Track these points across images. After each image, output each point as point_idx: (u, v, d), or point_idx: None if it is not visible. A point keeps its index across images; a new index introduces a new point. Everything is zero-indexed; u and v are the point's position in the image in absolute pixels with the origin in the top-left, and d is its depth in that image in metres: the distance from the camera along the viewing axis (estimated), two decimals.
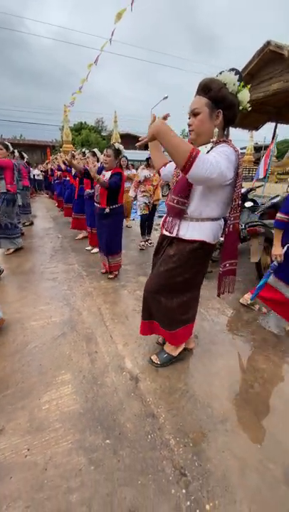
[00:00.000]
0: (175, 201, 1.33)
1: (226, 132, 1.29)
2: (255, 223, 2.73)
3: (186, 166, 1.02)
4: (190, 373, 1.67)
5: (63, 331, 2.05)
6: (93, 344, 1.91)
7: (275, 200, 3.33)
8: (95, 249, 3.85)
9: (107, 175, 2.69)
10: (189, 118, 1.25)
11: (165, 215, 1.45)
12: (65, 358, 1.76)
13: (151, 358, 1.73)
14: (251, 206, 3.53)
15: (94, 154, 3.60)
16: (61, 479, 1.09)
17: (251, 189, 4.00)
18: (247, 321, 2.28)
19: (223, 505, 1.02)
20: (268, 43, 8.47)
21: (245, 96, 1.20)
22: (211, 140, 1.22)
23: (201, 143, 1.26)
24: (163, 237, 1.49)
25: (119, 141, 14.24)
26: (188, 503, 1.03)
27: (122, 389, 1.53)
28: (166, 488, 1.07)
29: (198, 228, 1.32)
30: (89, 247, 4.05)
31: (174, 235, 1.38)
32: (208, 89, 1.17)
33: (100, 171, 2.81)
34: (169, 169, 1.49)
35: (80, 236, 4.64)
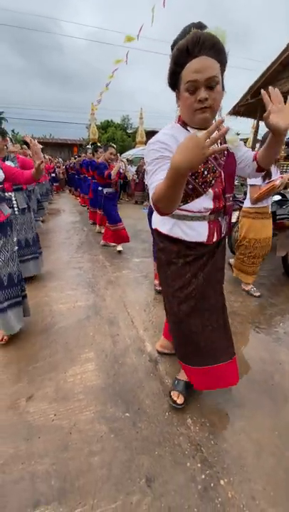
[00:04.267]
0: (231, 199, 1.12)
1: None
2: (283, 216, 2.70)
3: None
4: None
5: (88, 315, 2.15)
6: (115, 327, 1.99)
7: None
8: (119, 247, 3.73)
9: None
10: (190, 91, 0.85)
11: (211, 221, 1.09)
12: (89, 339, 1.86)
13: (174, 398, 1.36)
14: (279, 200, 3.42)
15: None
16: (84, 443, 1.18)
17: None
18: (270, 315, 2.23)
19: (238, 482, 1.04)
20: None
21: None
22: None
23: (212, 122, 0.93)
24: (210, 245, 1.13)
25: (145, 138, 14.31)
26: (203, 476, 1.06)
27: (142, 369, 1.60)
28: (182, 461, 1.11)
29: None
30: (119, 247, 3.74)
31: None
32: (219, 50, 0.82)
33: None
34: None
35: (99, 229, 4.67)
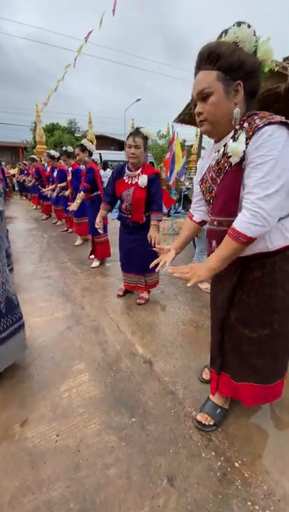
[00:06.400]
0: (216, 223, 0.99)
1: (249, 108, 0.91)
2: None
3: (250, 241, 0.84)
4: (203, 352, 1.75)
5: (69, 325, 2.04)
6: (102, 335, 1.93)
7: None
8: (95, 263, 3.31)
9: (141, 180, 1.98)
10: (195, 105, 0.90)
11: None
12: (76, 349, 1.77)
13: (199, 419, 1.25)
14: None
15: (83, 149, 3.10)
16: (95, 457, 1.12)
17: None
18: None
19: (251, 461, 1.12)
20: None
21: (267, 51, 0.82)
22: (235, 124, 0.87)
23: (222, 133, 0.91)
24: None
25: (95, 141, 14.15)
26: (219, 463, 1.11)
27: (138, 372, 1.58)
28: (197, 453, 1.14)
29: None
30: (95, 261, 3.34)
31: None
32: (217, 56, 0.80)
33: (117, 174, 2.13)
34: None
35: (79, 242, 4.18)
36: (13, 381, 1.50)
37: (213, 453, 1.15)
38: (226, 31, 0.84)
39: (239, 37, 0.80)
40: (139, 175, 2.01)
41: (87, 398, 1.41)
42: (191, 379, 1.53)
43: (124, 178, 2.07)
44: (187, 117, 13.54)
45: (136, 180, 2.01)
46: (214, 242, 1.01)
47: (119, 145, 23.71)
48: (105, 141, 23.03)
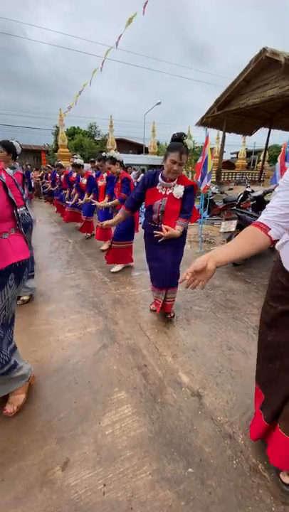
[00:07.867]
0: None
1: None
2: None
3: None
4: None
5: (103, 343, 1.90)
6: (140, 357, 1.77)
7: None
8: (117, 267, 3.30)
9: (177, 190, 1.86)
10: None
11: None
12: (114, 374, 1.61)
13: (287, 482, 1.06)
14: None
15: (114, 162, 3.02)
16: None
17: (268, 191, 3.98)
18: None
19: None
20: (264, 49, 8.64)
21: None
22: None
23: None
24: None
25: (115, 145, 14.19)
26: None
27: (187, 407, 1.40)
28: None
29: None
30: (116, 266, 3.34)
31: None
32: None
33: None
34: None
35: (105, 247, 4.11)
36: (51, 410, 1.36)
37: None
38: None
39: None
40: (174, 185, 1.88)
41: (134, 437, 1.24)
42: (250, 421, 1.32)
43: (158, 187, 1.92)
44: (209, 120, 13.16)
45: (170, 190, 1.88)
46: None
47: (138, 149, 23.78)
48: (124, 145, 23.16)
